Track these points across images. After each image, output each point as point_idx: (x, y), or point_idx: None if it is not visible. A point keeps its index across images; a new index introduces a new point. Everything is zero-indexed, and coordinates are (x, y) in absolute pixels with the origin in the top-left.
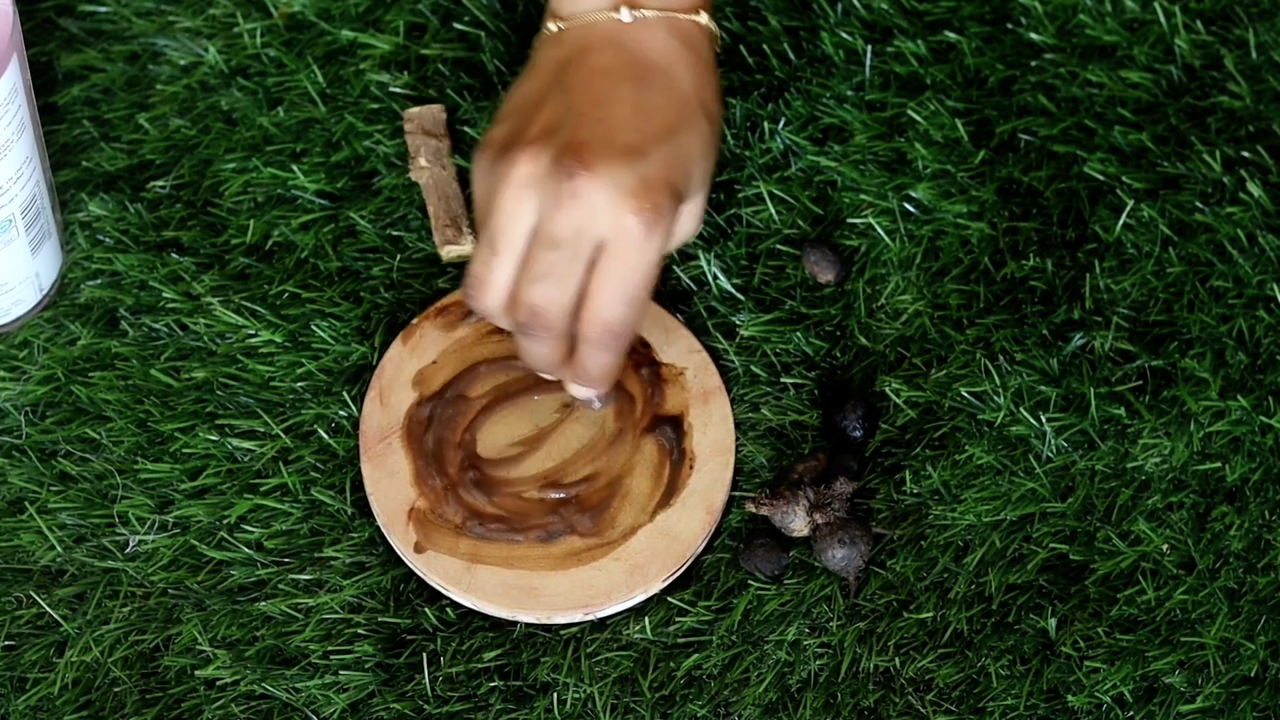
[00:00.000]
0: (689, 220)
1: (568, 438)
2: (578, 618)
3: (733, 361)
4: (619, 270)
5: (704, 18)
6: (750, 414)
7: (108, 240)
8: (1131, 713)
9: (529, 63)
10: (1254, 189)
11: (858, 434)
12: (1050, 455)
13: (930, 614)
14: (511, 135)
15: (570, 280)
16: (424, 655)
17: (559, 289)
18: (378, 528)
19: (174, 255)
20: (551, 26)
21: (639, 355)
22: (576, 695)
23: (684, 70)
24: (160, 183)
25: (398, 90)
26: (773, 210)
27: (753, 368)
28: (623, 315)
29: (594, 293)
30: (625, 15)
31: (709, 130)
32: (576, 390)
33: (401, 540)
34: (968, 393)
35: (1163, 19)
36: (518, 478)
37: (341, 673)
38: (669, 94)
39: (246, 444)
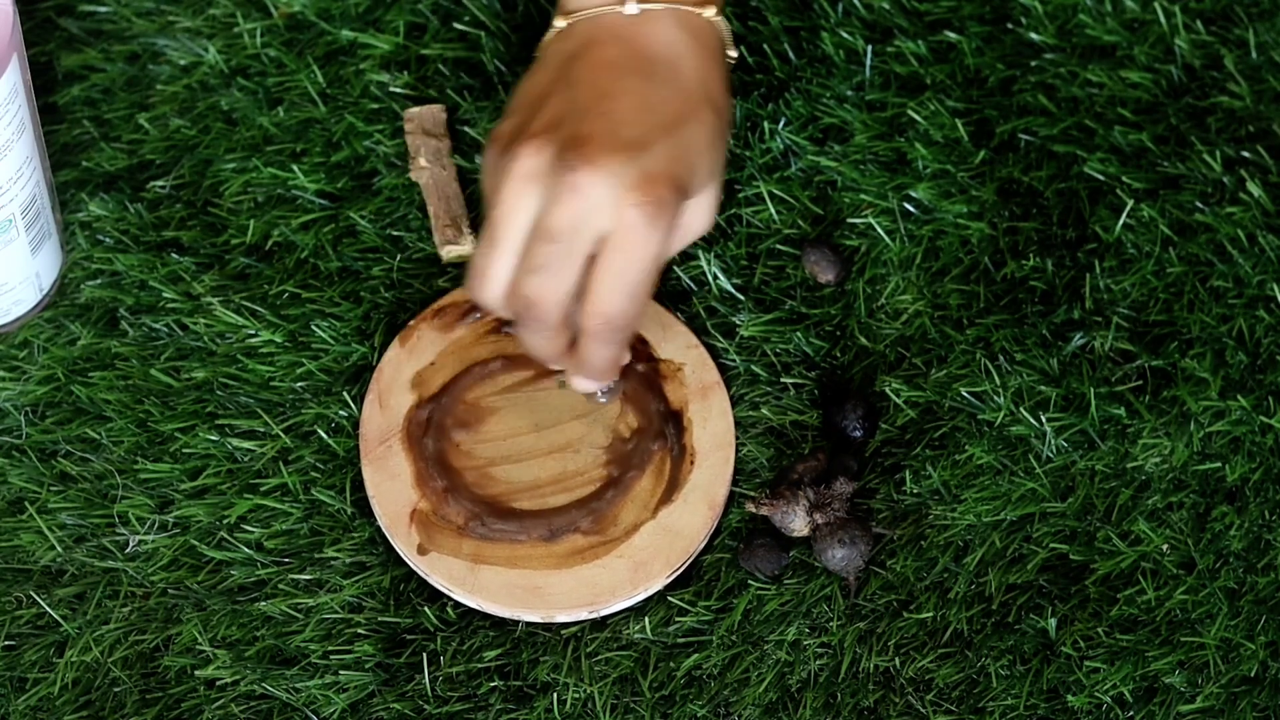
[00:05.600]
0: (700, 214)
1: (588, 479)
2: (582, 616)
3: (733, 361)
4: (620, 262)
5: (712, 12)
6: (750, 413)
7: (108, 240)
8: (1131, 713)
9: (536, 59)
10: (1254, 189)
11: (858, 434)
12: (1050, 455)
13: (930, 614)
14: (517, 129)
15: (567, 273)
16: (424, 655)
17: (555, 281)
18: (378, 527)
19: (174, 255)
20: (559, 23)
21: (637, 351)
22: (576, 695)
23: (690, 63)
24: (160, 183)
25: (398, 90)
26: (773, 210)
27: (753, 367)
28: (622, 307)
29: (595, 284)
30: (632, 8)
31: (715, 122)
32: (579, 383)
33: (404, 543)
34: (968, 393)
35: (1163, 19)
36: (527, 511)
37: (341, 673)
38: (674, 87)
39: (246, 444)
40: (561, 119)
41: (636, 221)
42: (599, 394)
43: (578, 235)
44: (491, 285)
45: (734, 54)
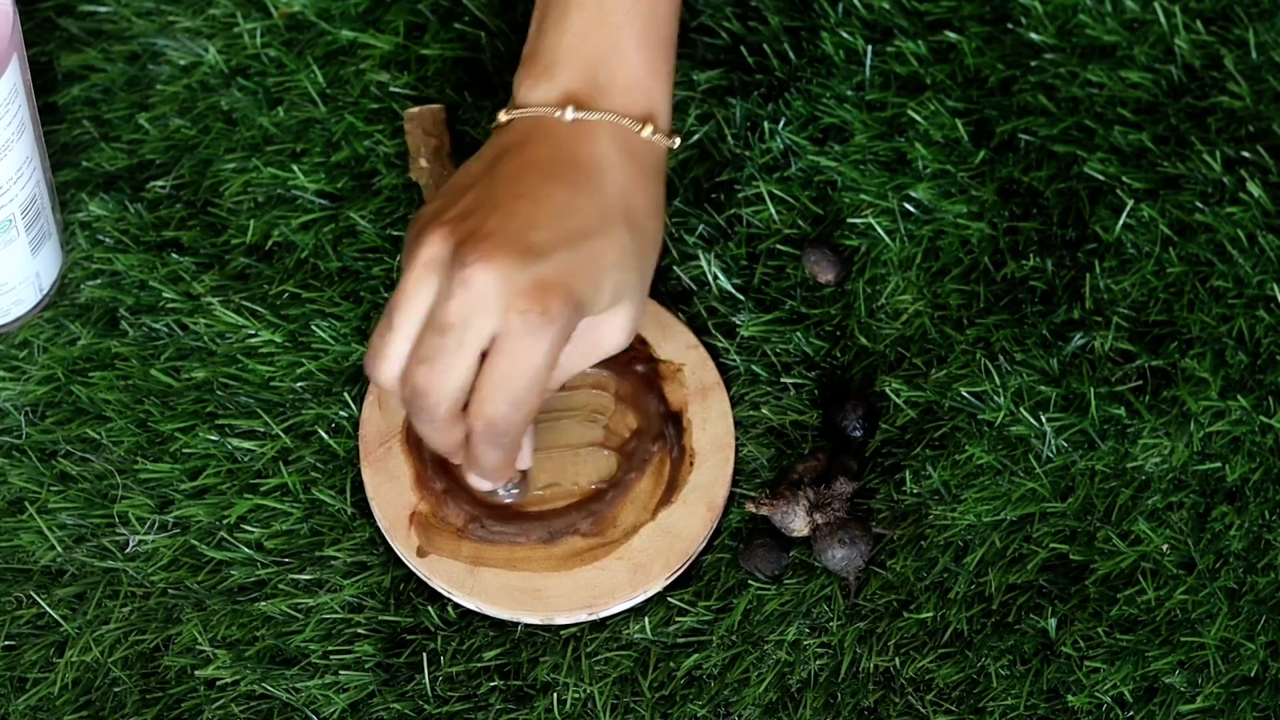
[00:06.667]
0: (613, 333)
1: (585, 478)
2: (581, 618)
3: (733, 361)
4: (503, 367)
5: (649, 131)
6: (750, 414)
7: (108, 240)
8: (1131, 713)
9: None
10: (1254, 189)
11: (858, 434)
12: (1050, 455)
13: (930, 614)
14: (435, 214)
15: (455, 368)
16: (424, 655)
17: (441, 374)
18: (378, 527)
19: (174, 255)
20: (503, 116)
21: (636, 352)
22: (576, 695)
23: (616, 177)
24: (160, 183)
25: (398, 90)
26: (773, 210)
27: (753, 367)
28: (504, 412)
29: (479, 385)
30: (568, 114)
31: (629, 241)
32: (472, 479)
33: (404, 545)
34: (968, 393)
35: (1163, 19)
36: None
37: (341, 673)
38: (592, 199)
39: (246, 444)
40: (472, 211)
41: (520, 329)
42: (499, 492)
43: (466, 331)
44: (385, 366)
45: (674, 145)
